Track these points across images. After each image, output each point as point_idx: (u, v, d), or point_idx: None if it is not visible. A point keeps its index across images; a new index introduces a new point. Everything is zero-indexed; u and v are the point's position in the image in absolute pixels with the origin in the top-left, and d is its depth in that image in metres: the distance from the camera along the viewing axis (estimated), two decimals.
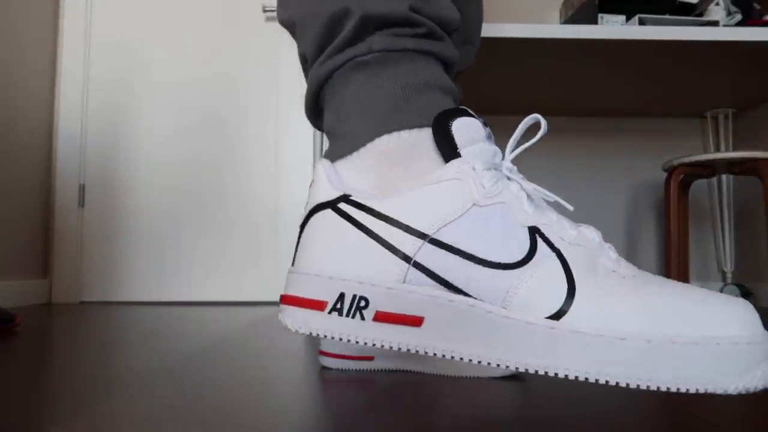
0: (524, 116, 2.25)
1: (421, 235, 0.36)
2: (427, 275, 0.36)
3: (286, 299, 0.38)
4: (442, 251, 0.36)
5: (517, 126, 2.25)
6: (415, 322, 0.35)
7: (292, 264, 0.40)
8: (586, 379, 0.32)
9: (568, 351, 0.32)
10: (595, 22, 1.71)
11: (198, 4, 2.16)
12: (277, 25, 2.17)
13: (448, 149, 0.37)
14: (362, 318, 0.36)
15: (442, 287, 0.35)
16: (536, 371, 0.33)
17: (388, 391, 0.67)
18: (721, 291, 2.19)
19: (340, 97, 0.42)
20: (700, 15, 1.73)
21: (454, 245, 0.35)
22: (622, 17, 1.71)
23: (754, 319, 0.32)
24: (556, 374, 0.33)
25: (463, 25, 0.67)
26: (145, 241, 2.09)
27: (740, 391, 0.31)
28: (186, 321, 1.44)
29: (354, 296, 0.36)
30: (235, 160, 2.13)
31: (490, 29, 1.52)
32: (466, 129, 0.37)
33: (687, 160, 1.79)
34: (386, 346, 0.35)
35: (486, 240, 0.35)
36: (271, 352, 0.96)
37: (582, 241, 0.36)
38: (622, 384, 0.31)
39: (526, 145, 0.40)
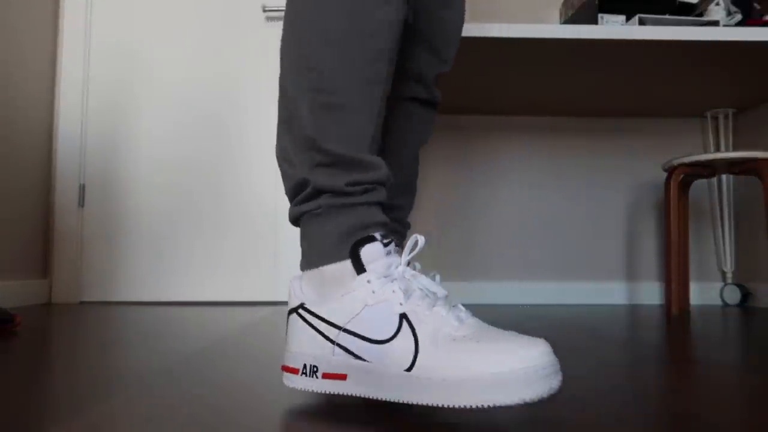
0: (525, 116, 2.25)
1: (338, 327, 0.59)
2: (345, 351, 0.58)
3: (283, 368, 0.64)
4: (350, 336, 0.58)
5: (517, 125, 2.25)
6: (343, 377, 0.58)
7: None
8: (434, 405, 0.52)
9: (419, 389, 0.53)
10: (595, 22, 1.71)
11: (198, 4, 2.16)
12: (277, 25, 2.17)
13: (359, 267, 0.60)
14: (316, 377, 0.60)
15: (354, 357, 0.58)
16: (410, 403, 0.53)
17: None
18: (721, 291, 2.19)
19: (306, 231, 0.66)
20: (700, 15, 1.73)
21: (355, 332, 0.58)
22: (622, 17, 1.70)
23: (537, 353, 0.50)
24: (419, 403, 0.53)
25: (440, 36, 0.89)
26: (144, 242, 2.09)
27: (524, 400, 0.49)
28: (185, 321, 1.44)
29: (311, 365, 0.60)
30: (234, 160, 2.13)
31: (490, 29, 1.52)
32: (370, 252, 0.60)
33: (687, 160, 1.78)
34: (330, 392, 0.59)
35: (372, 326, 0.57)
36: (270, 352, 0.96)
37: (432, 320, 0.56)
38: (447, 405, 0.51)
39: (410, 256, 0.60)
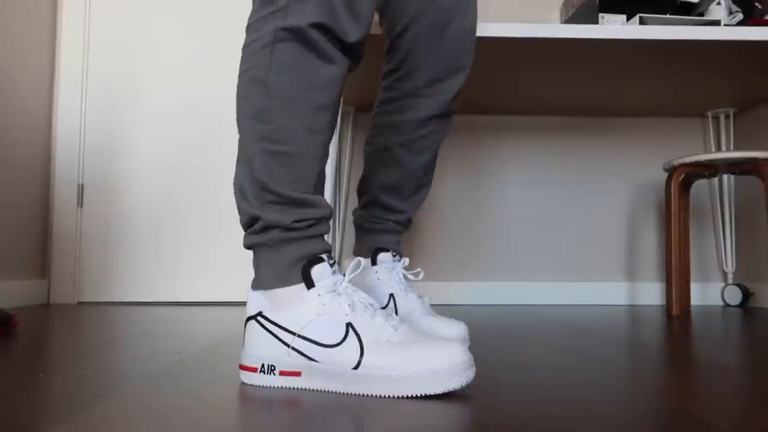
0: (525, 116, 2.24)
1: (293, 333, 0.70)
2: (299, 353, 0.70)
3: (241, 367, 0.73)
4: (304, 341, 0.70)
5: (517, 124, 2.24)
6: (297, 374, 0.70)
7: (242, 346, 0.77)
8: (378, 395, 0.65)
9: (363, 383, 0.66)
10: (595, 21, 1.71)
11: (197, 3, 2.15)
12: None
13: (310, 284, 0.71)
14: (273, 374, 0.71)
15: (306, 358, 0.69)
16: (356, 394, 0.66)
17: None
18: (722, 291, 2.18)
19: (258, 258, 0.76)
20: (701, 14, 1.72)
21: (308, 337, 0.69)
22: (623, 17, 1.70)
23: (456, 351, 0.65)
24: (362, 394, 0.66)
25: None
26: (144, 242, 2.09)
27: (447, 389, 0.63)
28: (185, 321, 1.44)
29: (269, 365, 0.71)
30: (234, 159, 2.13)
31: (490, 29, 1.52)
32: (319, 271, 0.72)
33: (688, 160, 1.78)
34: (286, 386, 0.70)
35: (323, 333, 0.69)
36: None
37: (372, 327, 0.69)
38: (388, 396, 0.64)
39: (352, 276, 0.74)
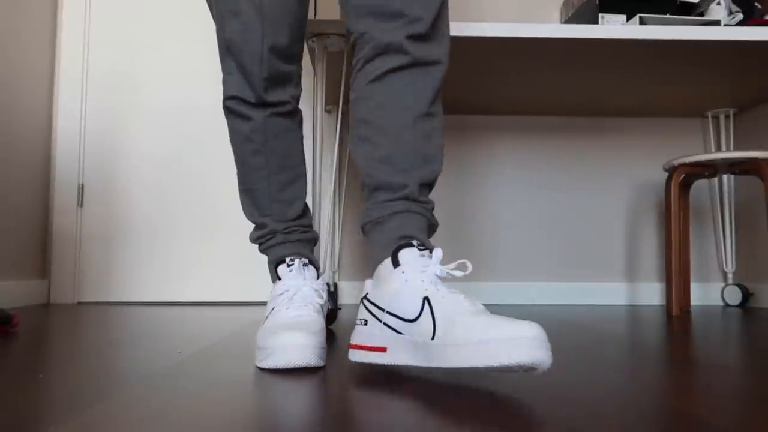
0: (524, 116, 2.24)
1: (382, 309, 0.77)
2: (389, 327, 0.76)
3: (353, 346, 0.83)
4: (391, 317, 0.76)
5: (517, 125, 2.24)
6: (382, 350, 0.76)
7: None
8: (451, 368, 0.66)
9: (438, 354, 0.68)
10: (595, 22, 1.71)
11: (198, 4, 2.15)
12: None
13: (397, 264, 0.78)
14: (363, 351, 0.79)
15: (394, 332, 0.75)
16: (429, 367, 0.69)
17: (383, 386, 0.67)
18: (722, 291, 2.18)
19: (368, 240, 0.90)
20: (701, 15, 1.72)
21: (393, 312, 0.75)
22: (623, 17, 1.70)
23: (532, 328, 0.62)
24: (437, 367, 0.68)
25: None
26: (143, 242, 2.09)
27: (532, 362, 0.61)
28: (185, 321, 1.44)
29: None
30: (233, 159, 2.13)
31: (490, 29, 1.52)
32: (405, 253, 0.78)
33: (688, 160, 1.78)
34: (376, 362, 0.77)
35: (403, 308, 0.74)
36: None
37: (448, 301, 0.72)
38: (459, 367, 0.65)
39: (445, 268, 0.77)
